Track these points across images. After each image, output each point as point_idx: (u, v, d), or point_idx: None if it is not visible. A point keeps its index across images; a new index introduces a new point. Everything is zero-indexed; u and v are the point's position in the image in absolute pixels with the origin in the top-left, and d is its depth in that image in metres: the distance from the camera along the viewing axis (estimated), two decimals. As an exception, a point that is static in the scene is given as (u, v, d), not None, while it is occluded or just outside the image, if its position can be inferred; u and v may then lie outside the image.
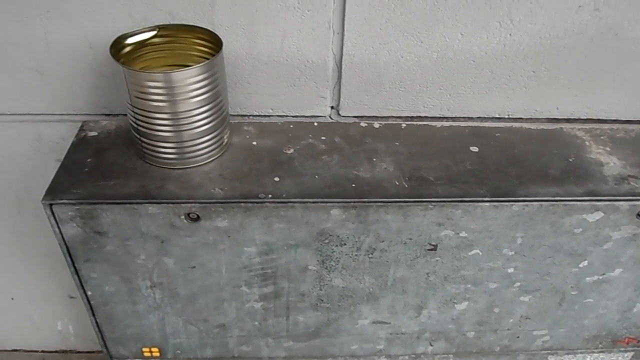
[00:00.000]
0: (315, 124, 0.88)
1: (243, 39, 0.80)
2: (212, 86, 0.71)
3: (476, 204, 0.75)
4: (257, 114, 0.89)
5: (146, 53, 0.78)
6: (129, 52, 0.75)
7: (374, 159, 0.81)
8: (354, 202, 0.74)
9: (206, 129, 0.75)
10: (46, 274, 1.15)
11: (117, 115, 0.89)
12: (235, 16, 0.78)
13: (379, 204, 0.74)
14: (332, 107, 0.90)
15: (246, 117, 0.90)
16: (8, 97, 0.86)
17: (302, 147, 0.82)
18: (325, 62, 0.84)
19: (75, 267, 0.79)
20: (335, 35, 0.81)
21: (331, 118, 0.91)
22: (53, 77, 0.84)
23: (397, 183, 0.77)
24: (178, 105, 0.70)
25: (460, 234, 0.79)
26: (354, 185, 0.76)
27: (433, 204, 0.75)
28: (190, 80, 0.69)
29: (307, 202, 0.73)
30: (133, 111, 0.72)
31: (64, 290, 1.19)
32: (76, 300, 1.21)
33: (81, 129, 0.84)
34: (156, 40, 0.77)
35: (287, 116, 0.90)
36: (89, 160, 0.78)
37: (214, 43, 0.75)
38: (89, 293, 0.83)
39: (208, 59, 0.77)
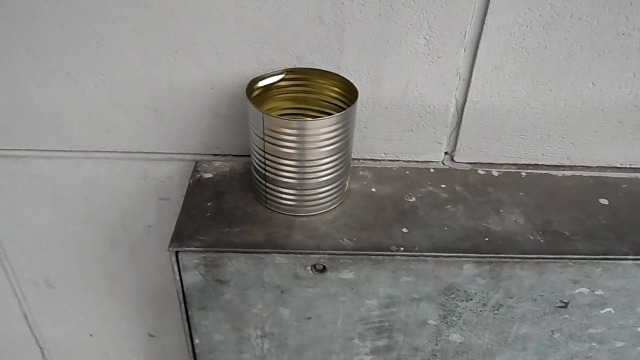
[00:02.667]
0: (432, 170, 0.85)
1: (367, 84, 0.78)
2: (344, 135, 0.69)
3: (618, 261, 0.71)
4: (370, 157, 0.87)
5: (272, 96, 0.76)
6: (257, 95, 0.74)
7: (501, 210, 0.77)
8: (489, 257, 0.70)
9: (332, 177, 0.72)
10: (129, 311, 1.13)
11: (227, 155, 0.88)
12: (362, 61, 0.76)
13: (516, 260, 0.70)
14: (446, 153, 0.87)
15: (359, 161, 0.87)
16: (122, 135, 0.85)
17: (423, 195, 0.79)
18: (447, 108, 0.81)
19: (187, 315, 0.77)
20: (460, 82, 0.78)
21: (444, 164, 0.88)
22: (169, 116, 0.83)
23: (532, 237, 0.73)
24: (309, 153, 0.68)
25: (596, 292, 0.74)
26: (487, 239, 0.72)
27: (573, 261, 0.70)
28: (326, 129, 0.67)
29: (440, 256, 0.70)
30: (263, 156, 0.70)
31: (144, 328, 1.16)
32: (155, 339, 1.18)
33: (195, 170, 0.83)
34: (282, 83, 0.76)
35: (399, 160, 0.87)
36: (209, 204, 0.76)
37: (345, 90, 0.73)
38: (196, 341, 0.80)
39: (335, 104, 0.76)
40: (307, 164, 0.69)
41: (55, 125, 0.84)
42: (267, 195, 0.74)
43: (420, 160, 0.87)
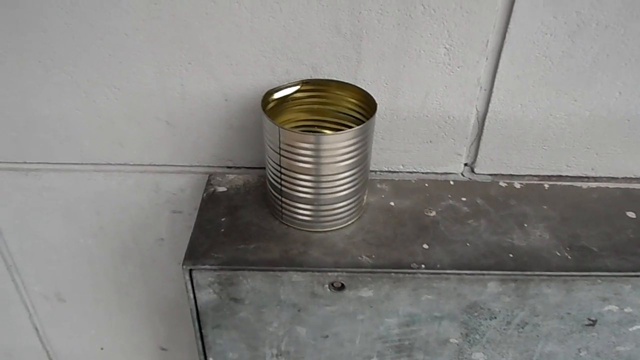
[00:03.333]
0: (452, 182, 0.82)
1: (385, 94, 0.76)
2: (362, 149, 0.67)
3: (649, 279, 0.68)
4: (387, 169, 0.85)
5: (288, 108, 0.74)
6: (272, 107, 0.72)
7: (525, 225, 0.74)
8: (515, 275, 0.67)
9: (350, 192, 0.70)
10: (140, 325, 1.11)
11: (240, 167, 0.86)
12: (380, 72, 0.74)
13: (542, 277, 0.67)
14: (465, 164, 0.84)
15: (376, 173, 0.85)
16: (133, 147, 0.83)
17: (443, 209, 0.77)
18: (468, 119, 0.78)
19: (201, 333, 0.75)
20: (482, 92, 0.76)
21: (463, 175, 0.85)
22: (181, 128, 0.81)
23: (559, 254, 0.70)
24: (326, 168, 0.66)
25: (625, 309, 0.71)
26: (511, 255, 0.69)
27: (602, 278, 0.68)
28: (344, 144, 0.64)
29: (463, 274, 0.67)
30: (279, 171, 0.68)
31: (156, 342, 1.14)
32: (167, 353, 1.17)
33: (209, 183, 0.81)
34: (298, 95, 0.74)
35: (417, 172, 0.85)
36: (223, 219, 0.74)
37: (363, 101, 0.71)
38: (210, 359, 0.78)
39: (352, 116, 0.73)
40: (324, 178, 0.67)
41: (66, 138, 0.83)
42: (283, 211, 0.72)
43: (439, 172, 0.85)
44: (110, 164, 0.86)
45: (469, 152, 0.83)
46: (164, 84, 0.76)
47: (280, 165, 0.68)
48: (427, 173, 0.85)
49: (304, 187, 0.68)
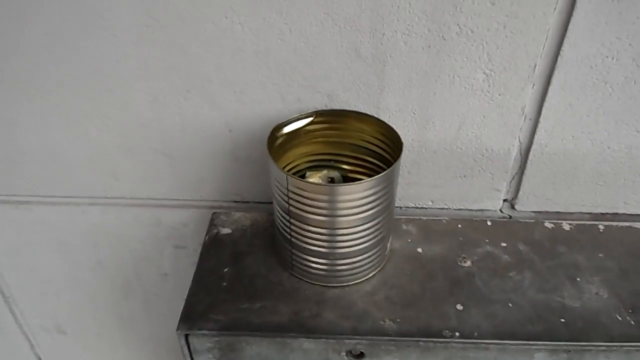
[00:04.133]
0: (489, 223, 0.71)
1: (412, 125, 0.66)
2: (385, 198, 0.57)
3: None
4: (414, 206, 0.74)
5: (299, 141, 0.65)
6: (281, 141, 0.62)
7: (578, 279, 0.63)
8: (568, 345, 0.57)
9: (370, 245, 0.60)
10: (146, 359, 1.04)
11: (248, 202, 0.76)
12: (407, 100, 0.64)
13: (601, 348, 0.57)
14: (505, 200, 0.73)
15: (401, 209, 0.75)
16: (129, 180, 0.75)
17: (480, 257, 0.66)
18: (509, 152, 0.68)
19: (202, 396, 0.66)
20: (526, 122, 0.65)
21: (502, 212, 0.74)
22: (181, 160, 0.72)
23: (619, 317, 0.59)
24: (342, 221, 0.56)
25: (698, 386, 0.60)
26: (562, 320, 0.59)
27: (672, 351, 0.56)
28: (363, 194, 0.54)
29: (505, 343, 0.57)
30: (288, 220, 0.58)
31: (164, 375, 1.07)
32: (175, 386, 1.09)
33: (212, 224, 0.72)
34: (311, 127, 0.64)
35: (448, 209, 0.74)
36: (225, 269, 0.65)
37: (386, 136, 0.61)
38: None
39: (373, 150, 0.63)
40: (341, 232, 0.57)
41: (56, 171, 0.75)
42: (294, 262, 0.63)
43: (474, 208, 0.74)
44: (106, 197, 0.78)
45: (509, 187, 0.72)
46: (160, 114, 0.67)
47: (289, 215, 0.58)
48: (459, 210, 0.74)
49: (316, 240, 0.58)
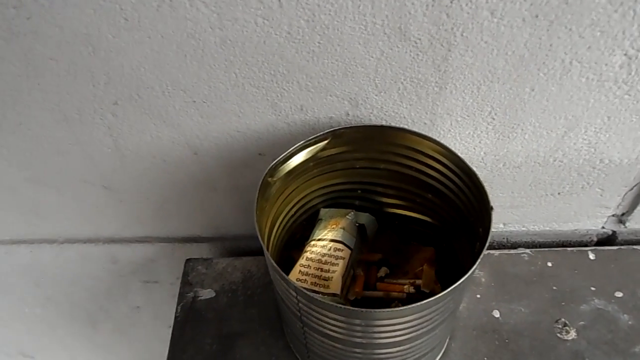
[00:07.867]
0: (592, 256, 0.48)
1: (488, 135, 0.41)
2: (449, 312, 0.34)
3: None
4: (479, 230, 0.51)
5: (307, 176, 0.40)
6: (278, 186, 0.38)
7: None
8: None
9: (423, 353, 0.38)
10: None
11: (238, 238, 0.53)
12: (483, 100, 0.38)
13: None
14: (613, 215, 0.50)
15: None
16: (58, 218, 0.51)
17: (588, 321, 0.44)
18: (635, 162, 0.43)
19: None
20: (672, 120, 0.40)
21: (604, 228, 0.51)
22: (128, 192, 0.48)
23: None
24: (380, 344, 0.34)
25: None
26: None
27: None
28: (417, 316, 0.31)
29: None
30: (302, 330, 0.36)
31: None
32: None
33: (186, 282, 0.49)
34: (325, 153, 0.39)
35: (526, 231, 0.51)
36: (210, 369, 0.43)
37: (444, 156, 0.36)
38: None
39: (427, 174, 0.39)
40: (378, 351, 0.34)
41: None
42: (309, 354, 0.41)
43: (564, 229, 0.51)
44: (33, 237, 0.55)
45: (622, 200, 0.48)
46: (80, 137, 0.42)
47: (302, 323, 0.35)
48: (542, 230, 0.51)
49: (341, 350, 0.36)
